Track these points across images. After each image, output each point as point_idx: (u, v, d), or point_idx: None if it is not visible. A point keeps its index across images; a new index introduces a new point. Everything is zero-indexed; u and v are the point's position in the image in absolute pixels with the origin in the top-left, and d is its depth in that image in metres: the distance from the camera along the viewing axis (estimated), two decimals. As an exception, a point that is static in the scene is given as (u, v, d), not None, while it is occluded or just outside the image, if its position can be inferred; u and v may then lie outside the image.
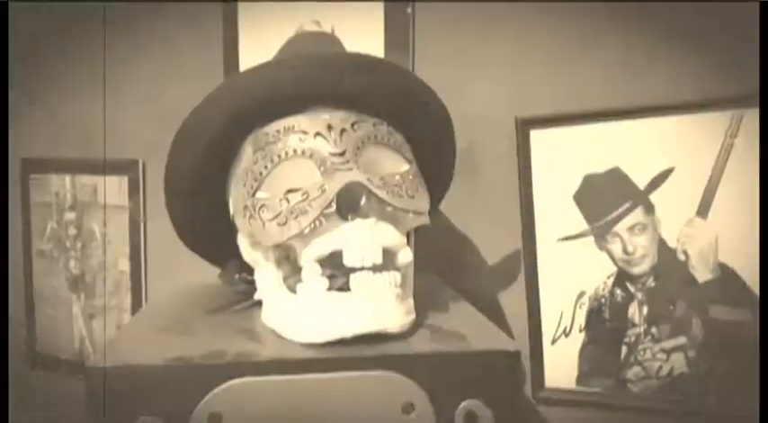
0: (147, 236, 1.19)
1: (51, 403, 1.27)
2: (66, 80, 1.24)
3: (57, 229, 1.26)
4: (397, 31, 1.07)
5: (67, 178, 1.25)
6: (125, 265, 1.20)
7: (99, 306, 1.23)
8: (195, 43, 1.16)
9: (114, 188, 1.21)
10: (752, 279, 0.89)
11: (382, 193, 0.62)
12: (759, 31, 0.84)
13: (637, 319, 0.96)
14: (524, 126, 0.99)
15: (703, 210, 0.91)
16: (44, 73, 1.26)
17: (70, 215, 1.25)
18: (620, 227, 0.95)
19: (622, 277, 0.96)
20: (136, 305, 1.19)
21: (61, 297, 1.27)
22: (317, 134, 0.64)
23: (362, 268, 0.61)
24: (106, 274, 1.22)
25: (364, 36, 1.06)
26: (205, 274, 0.89)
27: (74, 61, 1.23)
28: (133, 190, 1.19)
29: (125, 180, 1.19)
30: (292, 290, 0.65)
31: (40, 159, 1.27)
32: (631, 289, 0.96)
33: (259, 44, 1.10)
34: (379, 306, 0.61)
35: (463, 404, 0.58)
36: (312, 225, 0.61)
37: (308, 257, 0.62)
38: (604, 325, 0.97)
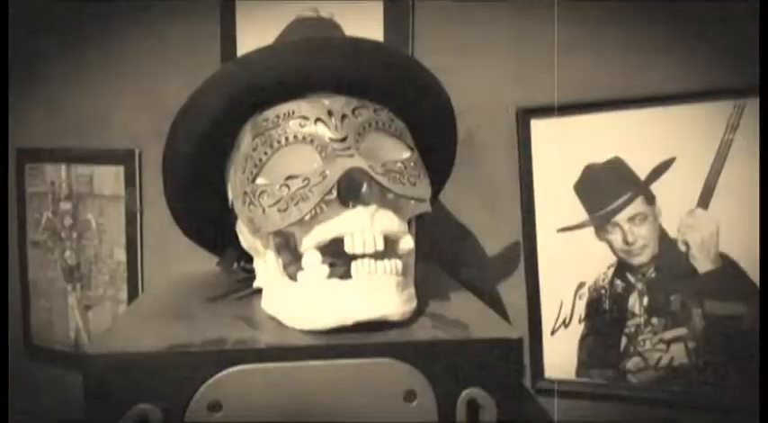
0: (143, 226, 1.19)
1: (47, 394, 1.26)
2: (64, 70, 1.23)
3: (52, 220, 1.25)
4: (397, 21, 1.06)
5: (63, 168, 1.24)
6: (121, 255, 1.19)
7: (95, 297, 1.22)
8: (193, 36, 1.15)
9: (110, 178, 1.20)
10: (753, 270, 0.88)
11: (384, 180, 0.62)
12: (759, 26, 0.84)
13: (637, 310, 0.95)
14: (525, 115, 0.99)
15: (704, 200, 0.90)
16: (41, 63, 1.25)
17: (66, 205, 1.24)
18: (621, 217, 0.95)
19: (622, 268, 0.96)
20: (132, 296, 1.18)
21: (57, 288, 1.26)
22: (318, 120, 0.63)
23: (363, 255, 0.61)
24: (102, 264, 1.21)
25: (363, 25, 1.05)
26: (202, 263, 0.89)
27: (72, 51, 1.22)
28: (129, 180, 1.18)
29: (121, 170, 1.19)
30: (293, 277, 0.64)
31: (35, 149, 1.26)
32: (631, 279, 0.95)
33: (256, 37, 1.08)
34: (380, 293, 0.61)
35: (465, 392, 0.58)
36: (313, 211, 0.60)
37: (309, 244, 0.62)
38: (604, 315, 0.97)
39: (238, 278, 0.81)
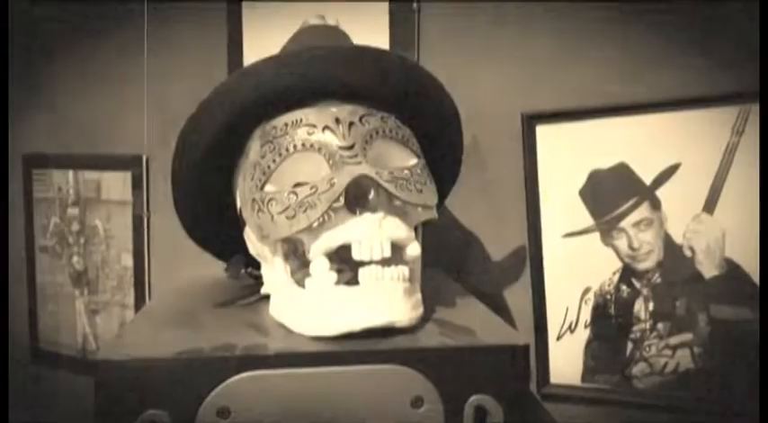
0: (150, 231, 1.19)
1: (54, 399, 1.27)
2: (71, 76, 1.24)
3: (60, 225, 1.26)
4: (402, 28, 1.07)
5: (70, 174, 1.25)
6: (128, 260, 1.20)
7: (102, 302, 1.23)
8: (199, 42, 1.16)
9: (118, 184, 1.20)
10: (758, 275, 0.88)
11: (391, 187, 0.62)
12: (759, 32, 0.84)
13: (642, 315, 0.95)
14: (530, 121, 0.99)
15: (710, 205, 0.90)
16: (48, 69, 1.25)
17: (73, 211, 1.25)
18: (626, 222, 0.95)
19: (628, 273, 0.96)
20: (139, 301, 1.19)
21: (64, 293, 1.26)
22: (326, 128, 0.63)
23: (371, 262, 0.61)
24: (109, 269, 1.22)
25: (369, 32, 1.06)
26: (208, 268, 0.89)
27: (78, 57, 1.23)
28: (136, 185, 1.19)
29: (128, 175, 1.19)
30: (300, 284, 0.65)
31: (42, 155, 1.27)
32: (637, 285, 0.95)
33: (263, 43, 1.10)
34: (388, 300, 0.61)
35: (472, 398, 0.58)
36: (321, 219, 0.61)
37: (317, 251, 0.62)
38: (610, 321, 0.97)
39: (246, 284, 0.81)
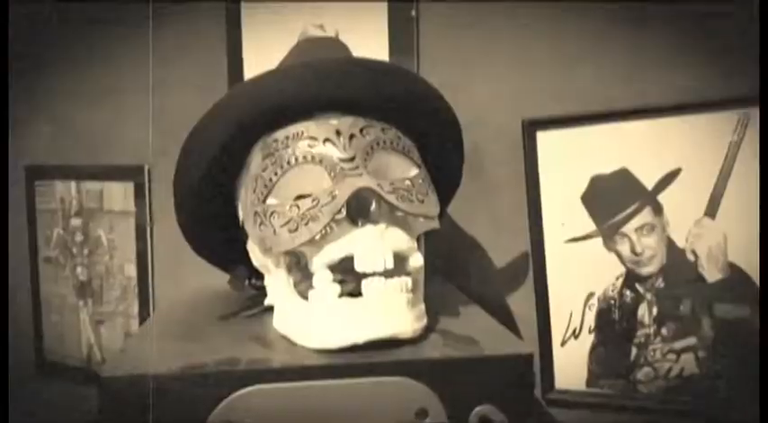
0: (153, 241, 1.19)
1: (59, 410, 1.27)
2: (72, 86, 1.24)
3: (63, 236, 1.26)
4: (401, 34, 1.07)
5: (73, 185, 1.25)
6: (132, 270, 1.20)
7: (106, 312, 1.23)
8: (199, 48, 1.16)
9: (120, 194, 1.21)
10: (759, 278, 0.88)
11: (392, 199, 0.62)
12: (759, 33, 0.84)
13: (646, 320, 0.95)
14: (531, 127, 0.99)
15: (712, 210, 0.90)
16: (48, 79, 1.26)
17: (76, 221, 1.25)
18: (629, 228, 0.95)
19: (631, 278, 0.96)
20: (143, 311, 1.19)
21: (68, 304, 1.27)
22: (326, 140, 0.64)
23: (374, 274, 0.61)
24: (113, 279, 1.22)
25: (368, 39, 1.06)
26: (212, 279, 0.89)
27: (78, 67, 1.23)
28: (139, 195, 1.19)
29: (130, 186, 1.20)
30: (304, 296, 0.65)
31: (44, 166, 1.27)
32: (640, 290, 0.95)
33: (263, 49, 1.10)
34: (391, 311, 0.61)
35: (477, 409, 0.58)
36: (323, 231, 0.61)
37: (320, 263, 0.62)
38: (614, 326, 0.97)
39: (249, 296, 0.81)
